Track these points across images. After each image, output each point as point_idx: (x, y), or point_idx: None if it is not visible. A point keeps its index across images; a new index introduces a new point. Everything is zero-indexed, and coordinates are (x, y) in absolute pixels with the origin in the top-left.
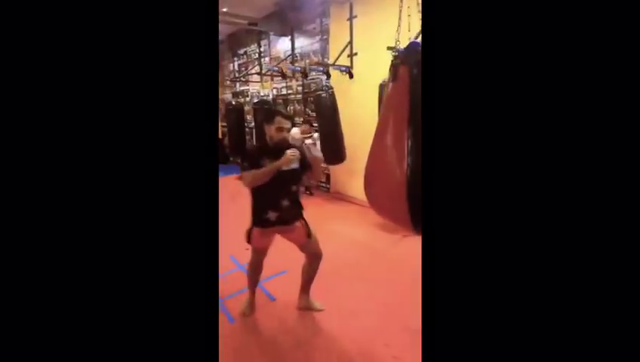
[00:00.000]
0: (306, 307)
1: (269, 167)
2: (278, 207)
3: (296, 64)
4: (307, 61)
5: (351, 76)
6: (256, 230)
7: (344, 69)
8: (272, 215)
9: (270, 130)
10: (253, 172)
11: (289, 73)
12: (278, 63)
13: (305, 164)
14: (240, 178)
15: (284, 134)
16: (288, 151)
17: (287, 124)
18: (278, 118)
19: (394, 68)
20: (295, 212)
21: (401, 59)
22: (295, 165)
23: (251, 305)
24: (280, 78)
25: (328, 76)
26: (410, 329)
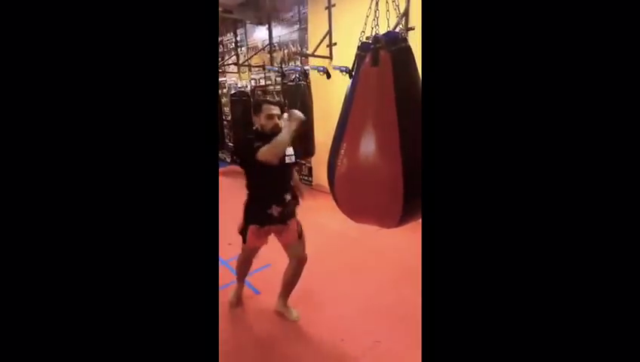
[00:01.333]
0: (282, 313)
1: (285, 134)
2: (281, 201)
3: (275, 54)
4: (286, 51)
5: (351, 76)
6: (252, 228)
7: (344, 69)
8: (275, 210)
9: (260, 120)
10: (270, 144)
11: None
12: (256, 53)
13: (298, 154)
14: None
15: (275, 121)
16: (294, 111)
17: (276, 110)
18: (266, 106)
19: (374, 52)
20: (294, 206)
21: (382, 44)
22: (292, 159)
23: (239, 295)
24: (258, 68)
25: (329, 76)
26: (390, 315)
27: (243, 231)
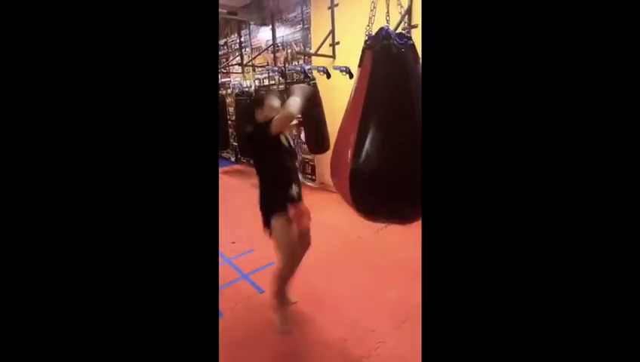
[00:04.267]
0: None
1: (292, 102)
2: (297, 180)
3: (278, 54)
4: (289, 51)
5: (351, 76)
6: (293, 208)
7: (344, 69)
8: (294, 189)
9: (263, 112)
10: (280, 114)
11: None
12: (260, 53)
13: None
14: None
15: (278, 111)
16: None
17: (276, 101)
18: (267, 98)
19: (361, 53)
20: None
21: (368, 44)
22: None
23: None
24: (262, 69)
25: (329, 76)
26: (395, 314)
27: (267, 221)
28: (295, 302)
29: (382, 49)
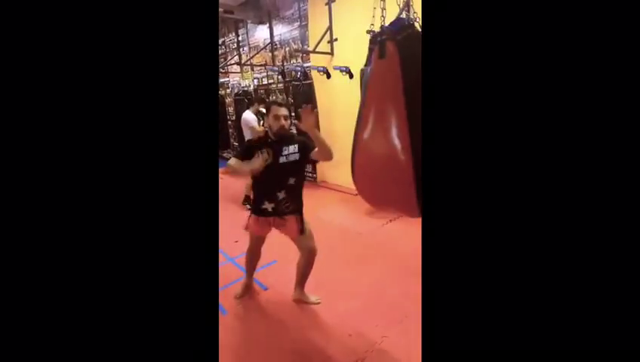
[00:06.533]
0: (300, 300)
1: (243, 167)
2: (273, 198)
3: (276, 52)
4: (287, 49)
5: (351, 76)
6: (252, 218)
7: (344, 69)
8: (267, 205)
9: (268, 120)
10: (234, 163)
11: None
12: (258, 52)
13: (306, 152)
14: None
15: (281, 122)
16: (262, 156)
17: (282, 111)
18: (274, 107)
19: (380, 45)
20: (291, 205)
21: (388, 35)
22: (294, 157)
23: (247, 288)
24: (261, 68)
25: (329, 76)
26: (397, 308)
27: (248, 220)
28: (318, 302)
29: (408, 37)
